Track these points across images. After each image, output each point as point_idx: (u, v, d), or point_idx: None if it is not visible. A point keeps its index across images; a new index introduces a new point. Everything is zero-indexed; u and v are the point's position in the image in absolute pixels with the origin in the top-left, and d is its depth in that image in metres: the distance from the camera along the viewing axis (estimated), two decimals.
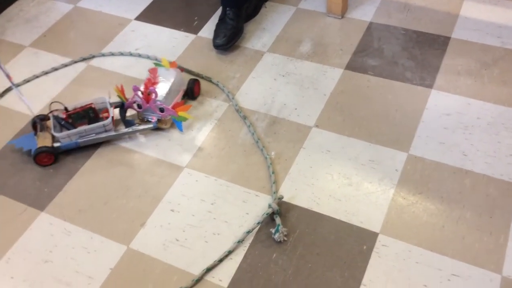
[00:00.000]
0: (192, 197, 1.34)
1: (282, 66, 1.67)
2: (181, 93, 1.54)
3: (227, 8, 1.74)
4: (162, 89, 1.47)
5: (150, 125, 1.47)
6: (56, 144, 1.43)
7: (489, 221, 1.23)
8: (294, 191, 1.33)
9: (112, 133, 1.45)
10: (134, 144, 1.48)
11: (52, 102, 1.49)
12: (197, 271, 1.20)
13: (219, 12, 1.86)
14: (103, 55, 1.76)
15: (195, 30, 1.83)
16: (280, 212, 1.27)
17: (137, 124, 1.48)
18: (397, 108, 1.50)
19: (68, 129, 1.43)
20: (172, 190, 1.36)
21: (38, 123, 1.46)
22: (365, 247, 1.21)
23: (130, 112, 1.52)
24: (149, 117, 1.49)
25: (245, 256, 1.21)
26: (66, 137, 1.42)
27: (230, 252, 1.22)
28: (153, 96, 1.42)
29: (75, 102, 1.47)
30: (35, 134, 1.46)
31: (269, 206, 1.26)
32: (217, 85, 1.62)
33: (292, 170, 1.38)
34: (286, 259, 1.20)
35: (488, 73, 1.57)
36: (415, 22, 1.76)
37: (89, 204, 1.35)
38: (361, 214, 1.27)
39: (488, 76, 1.56)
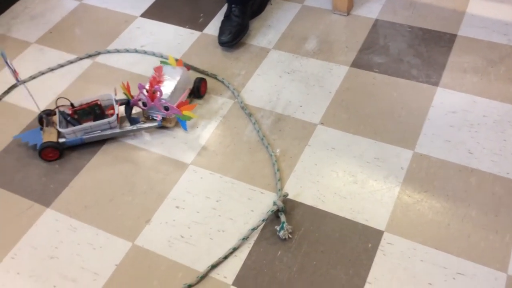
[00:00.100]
0: (197, 194, 1.34)
1: (288, 63, 1.66)
2: (187, 92, 1.54)
3: (233, 5, 1.73)
4: (167, 87, 1.47)
5: (155, 123, 1.47)
6: (61, 140, 1.44)
7: (495, 220, 1.23)
8: (299, 189, 1.33)
9: (117, 130, 1.46)
10: (140, 141, 1.48)
11: (58, 98, 1.50)
12: (202, 267, 1.20)
13: (224, 9, 1.86)
14: (109, 52, 1.77)
15: (200, 27, 1.83)
16: (285, 209, 1.27)
17: (142, 122, 1.48)
18: (403, 105, 1.50)
19: (74, 125, 1.43)
20: (177, 187, 1.36)
21: (45, 118, 1.46)
22: (370, 245, 1.21)
23: (135, 110, 1.53)
24: (154, 115, 1.49)
25: (250, 253, 1.22)
26: (71, 133, 1.43)
27: (235, 249, 1.22)
28: (158, 94, 1.43)
29: (81, 98, 1.47)
30: (41, 129, 1.47)
31: (274, 203, 1.26)
32: (222, 82, 1.62)
33: (297, 167, 1.38)
34: (291, 257, 1.20)
35: (495, 70, 1.56)
36: (421, 19, 1.75)
37: (95, 201, 1.35)
38: (366, 212, 1.26)
39: (494, 73, 1.55)
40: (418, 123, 1.44)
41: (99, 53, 1.77)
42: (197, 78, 1.56)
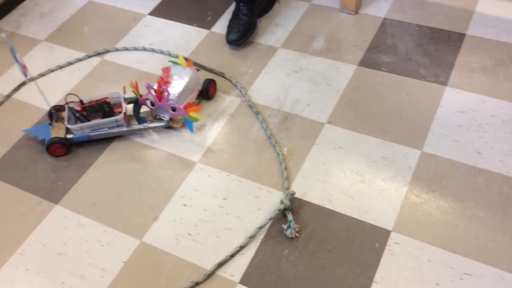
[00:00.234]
0: (205, 192, 1.35)
1: (295, 62, 1.66)
2: (195, 93, 1.53)
3: (241, 4, 1.74)
4: (176, 88, 1.47)
5: (162, 123, 1.48)
6: (69, 136, 1.45)
7: (503, 220, 1.22)
8: (306, 188, 1.33)
9: (124, 128, 1.46)
10: (147, 140, 1.49)
11: (68, 94, 1.51)
12: (209, 265, 1.20)
13: (232, 7, 1.86)
14: (117, 49, 1.77)
15: (208, 25, 1.84)
16: (292, 208, 1.27)
17: (149, 121, 1.49)
18: (411, 105, 1.49)
19: (82, 122, 1.44)
20: (184, 185, 1.37)
21: (54, 113, 1.47)
22: (377, 244, 1.21)
23: (144, 109, 1.53)
24: (162, 115, 1.49)
25: (256, 252, 1.22)
26: (78, 129, 1.44)
27: (242, 248, 1.23)
28: (166, 95, 1.43)
29: (91, 95, 1.48)
30: (50, 124, 1.48)
31: (281, 202, 1.27)
32: (230, 80, 1.62)
33: (304, 166, 1.38)
34: (298, 255, 1.20)
35: (504, 70, 1.55)
36: (430, 18, 1.74)
37: (103, 198, 1.36)
38: (373, 211, 1.26)
39: (503, 73, 1.54)
40: (426, 123, 1.44)
41: (107, 51, 1.77)
42: (206, 79, 1.56)
